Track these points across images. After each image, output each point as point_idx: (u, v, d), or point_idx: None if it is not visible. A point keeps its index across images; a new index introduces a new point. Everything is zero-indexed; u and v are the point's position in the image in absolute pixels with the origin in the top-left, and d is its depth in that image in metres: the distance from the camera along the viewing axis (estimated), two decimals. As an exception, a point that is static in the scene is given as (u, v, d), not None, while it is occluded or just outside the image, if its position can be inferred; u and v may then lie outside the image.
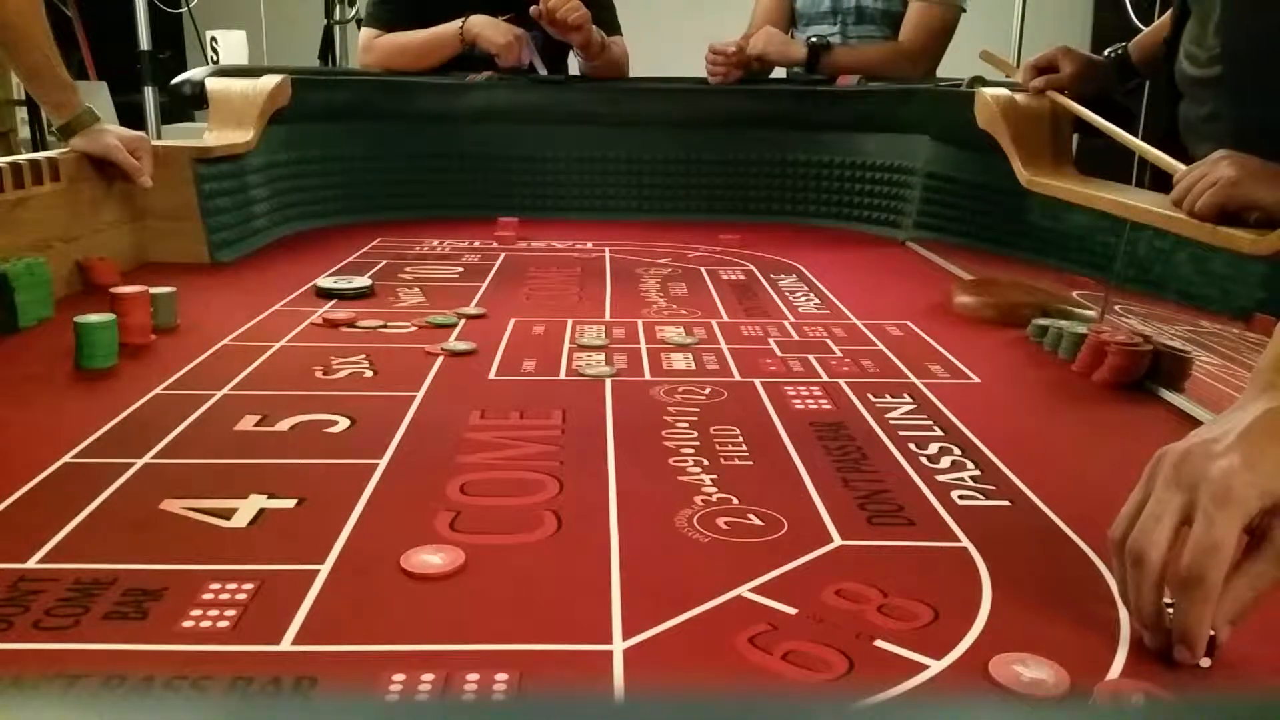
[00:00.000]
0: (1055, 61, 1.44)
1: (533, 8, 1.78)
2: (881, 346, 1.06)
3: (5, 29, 1.20)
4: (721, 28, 2.17)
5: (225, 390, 0.88)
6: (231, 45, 4.09)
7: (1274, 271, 0.88)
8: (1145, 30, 1.49)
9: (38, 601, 0.53)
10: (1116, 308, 1.09)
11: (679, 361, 0.99)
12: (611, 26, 2.01)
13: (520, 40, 1.85)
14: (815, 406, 0.87)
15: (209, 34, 4.01)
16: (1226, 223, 0.95)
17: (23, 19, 1.21)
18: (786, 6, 2.12)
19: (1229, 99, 1.23)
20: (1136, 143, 1.25)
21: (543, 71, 1.89)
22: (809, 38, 1.96)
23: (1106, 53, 1.48)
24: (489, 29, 1.86)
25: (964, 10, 1.99)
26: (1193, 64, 1.28)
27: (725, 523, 0.63)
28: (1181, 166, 1.07)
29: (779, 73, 2.21)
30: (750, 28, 2.13)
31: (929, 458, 0.75)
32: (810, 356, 1.01)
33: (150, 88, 3.19)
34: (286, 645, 0.49)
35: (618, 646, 0.50)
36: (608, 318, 1.17)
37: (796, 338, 1.09)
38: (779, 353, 1.03)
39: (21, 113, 3.98)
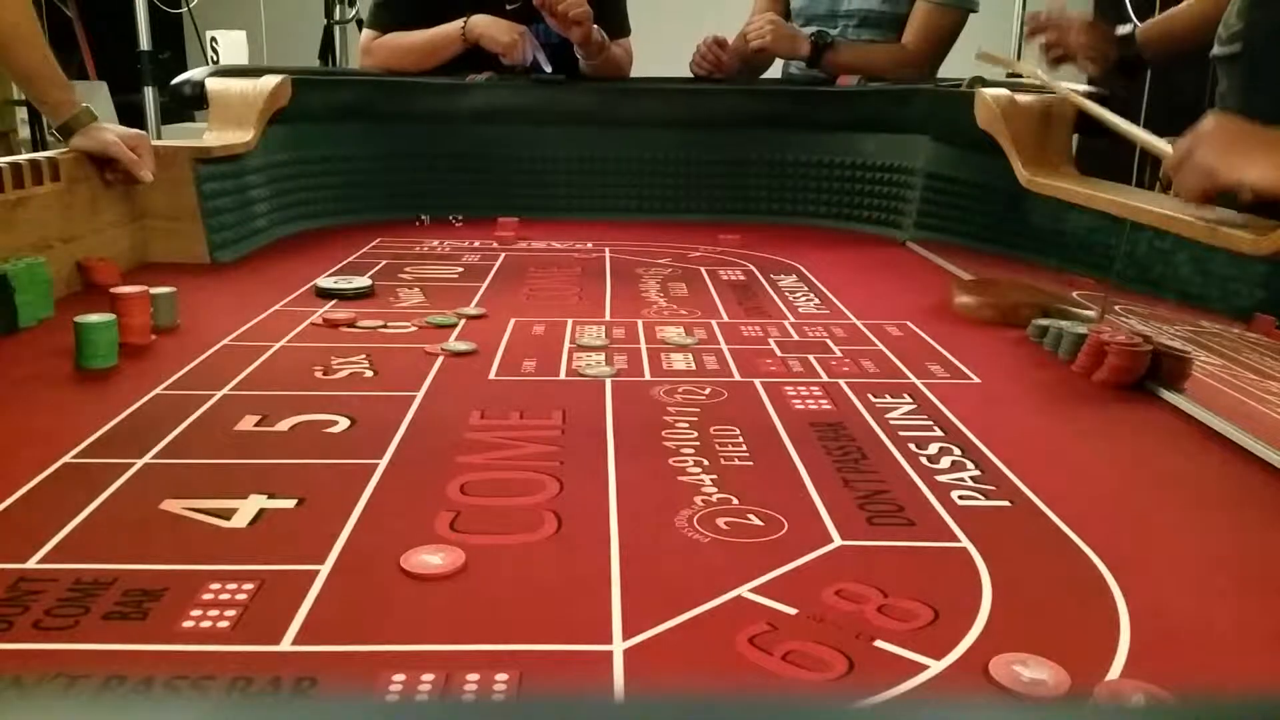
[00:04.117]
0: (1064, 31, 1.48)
1: None
2: (881, 346, 1.06)
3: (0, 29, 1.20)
4: (721, 28, 2.17)
5: (225, 390, 0.88)
6: (231, 45, 4.10)
7: (1274, 271, 0.89)
8: (1158, 17, 1.49)
9: (38, 601, 0.53)
10: (1116, 308, 1.09)
11: (679, 361, 0.99)
12: (620, 28, 2.00)
13: (524, 37, 1.85)
14: (815, 406, 0.87)
15: (209, 34, 4.01)
16: (1219, 203, 0.96)
17: (17, 19, 1.20)
18: (781, 7, 2.12)
19: (1240, 79, 1.24)
20: (1135, 131, 1.26)
21: (547, 68, 1.89)
22: (813, 33, 1.95)
23: (1119, 31, 1.51)
24: (492, 28, 1.86)
25: (975, 10, 1.98)
26: (1219, 42, 1.33)
27: (725, 523, 0.63)
28: (1168, 148, 1.05)
29: (775, 70, 2.21)
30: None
31: (929, 458, 0.75)
32: (810, 356, 1.01)
33: (150, 88, 3.19)
34: (286, 645, 0.49)
35: (618, 646, 0.50)
36: (608, 318, 1.17)
37: (796, 338, 1.09)
38: (779, 353, 1.03)
39: (21, 113, 3.98)
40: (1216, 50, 1.34)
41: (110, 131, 1.32)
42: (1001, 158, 1.40)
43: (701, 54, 2.01)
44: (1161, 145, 1.08)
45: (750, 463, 0.74)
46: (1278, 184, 0.92)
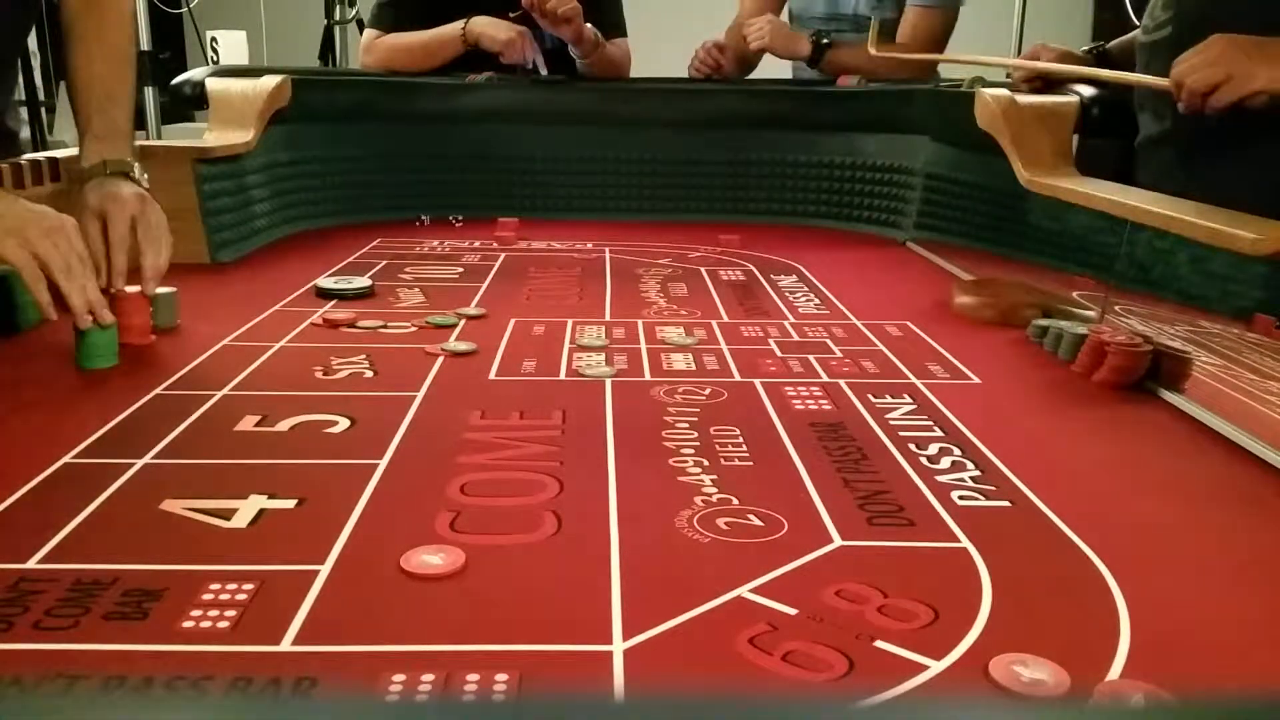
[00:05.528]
0: (1036, 54, 1.61)
1: None
2: (881, 347, 1.06)
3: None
4: (721, 28, 2.17)
5: (225, 390, 0.88)
6: (231, 45, 4.10)
7: (1274, 271, 0.89)
8: (1123, 37, 1.60)
9: (38, 602, 0.53)
10: (1116, 308, 1.09)
11: (679, 362, 0.99)
12: (615, 27, 2.01)
13: (523, 36, 1.85)
14: (815, 407, 0.87)
15: (209, 34, 4.01)
16: (1236, 110, 1.15)
17: (98, 68, 1.13)
18: (774, 7, 2.13)
19: (1169, 60, 1.29)
20: (1116, 74, 1.37)
21: (544, 71, 1.89)
22: (812, 33, 1.96)
23: (1083, 49, 1.62)
24: (491, 27, 1.86)
25: (962, 4, 2.01)
26: (1145, 32, 1.43)
27: (725, 523, 0.63)
28: (1164, 81, 1.22)
29: (771, 71, 2.21)
30: (736, 24, 2.14)
31: (929, 458, 0.75)
32: (810, 357, 1.01)
33: (150, 88, 3.19)
34: (286, 645, 0.49)
35: (618, 647, 0.50)
36: (608, 318, 1.17)
37: (796, 338, 1.09)
38: (779, 353, 1.03)
39: (22, 113, 3.98)
40: (1143, 38, 1.44)
41: (94, 211, 1.03)
42: (1001, 158, 1.40)
43: (700, 59, 2.02)
44: (1156, 80, 1.25)
45: (750, 463, 0.74)
46: None
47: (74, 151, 1.30)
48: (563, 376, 0.94)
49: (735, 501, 0.67)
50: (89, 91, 1.13)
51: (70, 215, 0.96)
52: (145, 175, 1.12)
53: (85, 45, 1.13)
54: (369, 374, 0.94)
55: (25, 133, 4.01)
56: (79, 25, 1.13)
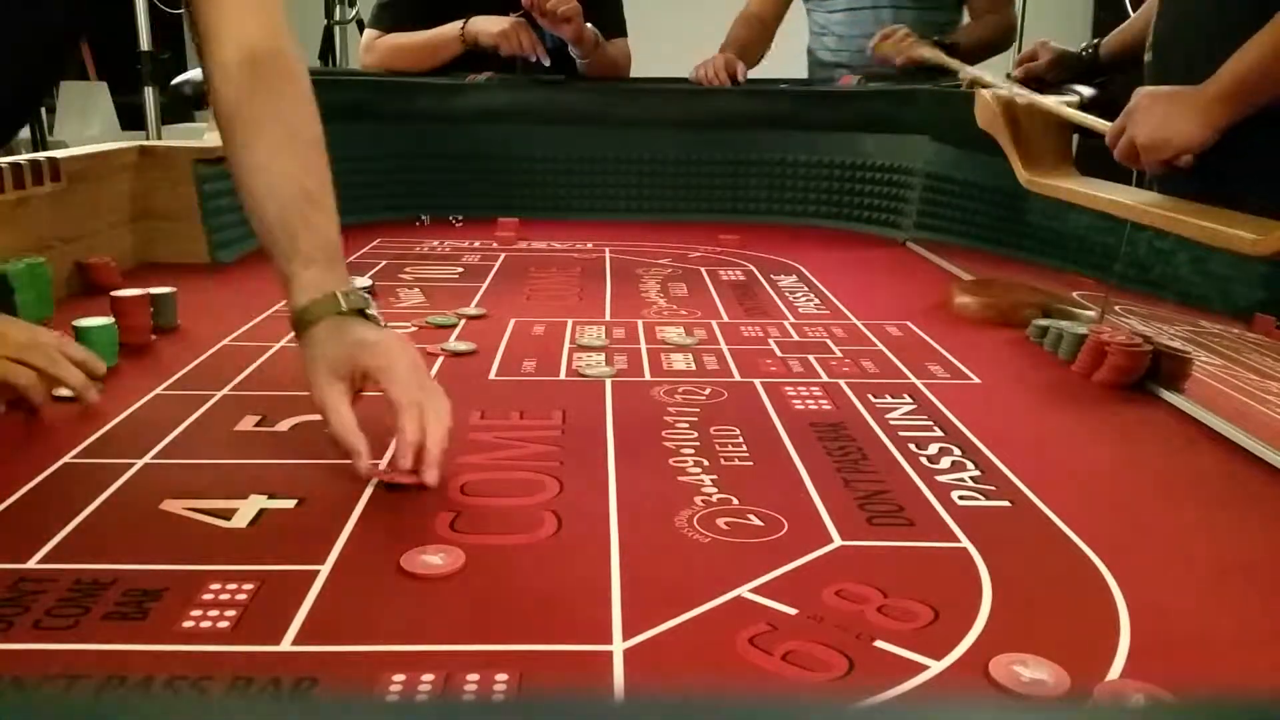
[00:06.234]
0: (1035, 53, 1.64)
1: None
2: (881, 347, 1.06)
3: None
4: (720, 28, 2.17)
5: (225, 390, 0.88)
6: (231, 45, 4.09)
7: (1274, 271, 0.89)
8: (1117, 29, 1.60)
9: (38, 601, 0.53)
10: (1116, 308, 1.09)
11: (679, 362, 0.99)
12: (615, 27, 2.00)
13: (519, 26, 1.84)
14: (815, 407, 0.87)
15: (209, 34, 4.01)
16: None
17: (282, 180, 0.83)
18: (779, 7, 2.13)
19: (1152, 77, 1.30)
20: (1069, 111, 1.36)
21: (546, 62, 1.88)
22: (935, 39, 1.95)
23: (1082, 48, 1.63)
24: (487, 23, 1.86)
25: None
26: (1146, 52, 1.43)
27: (725, 523, 0.63)
28: (1105, 124, 1.23)
29: (762, 70, 2.21)
30: (744, 10, 2.14)
31: (929, 458, 0.75)
32: (810, 357, 1.01)
33: (150, 88, 3.19)
34: (286, 645, 0.49)
35: (618, 647, 0.50)
36: (608, 318, 1.17)
37: (796, 338, 1.09)
38: (779, 353, 1.03)
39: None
40: (1145, 58, 1.45)
41: (342, 378, 0.71)
42: (1001, 158, 1.40)
43: (711, 75, 1.97)
44: (1098, 122, 1.25)
45: (750, 463, 0.74)
46: (1203, 139, 1.12)
47: (75, 151, 1.31)
48: (563, 376, 0.94)
49: (735, 501, 0.67)
50: (282, 198, 0.82)
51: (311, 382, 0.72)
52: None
53: (263, 136, 0.84)
54: (369, 374, 0.93)
55: (25, 133, 4.02)
56: (250, 110, 0.85)
